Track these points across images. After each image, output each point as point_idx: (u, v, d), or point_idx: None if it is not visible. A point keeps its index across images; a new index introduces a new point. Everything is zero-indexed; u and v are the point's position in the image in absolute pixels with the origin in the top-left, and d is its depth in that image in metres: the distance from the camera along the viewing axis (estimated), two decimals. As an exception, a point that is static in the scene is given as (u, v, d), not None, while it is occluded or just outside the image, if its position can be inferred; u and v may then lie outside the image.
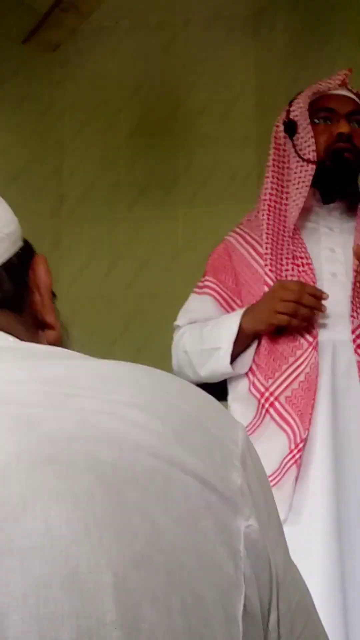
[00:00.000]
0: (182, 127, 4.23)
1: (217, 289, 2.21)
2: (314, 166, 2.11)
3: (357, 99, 2.20)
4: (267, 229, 2.13)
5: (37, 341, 0.88)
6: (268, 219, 2.15)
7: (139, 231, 4.14)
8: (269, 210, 2.15)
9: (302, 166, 2.13)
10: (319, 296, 2.00)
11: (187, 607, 0.59)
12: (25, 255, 0.88)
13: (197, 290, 2.26)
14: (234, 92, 4.22)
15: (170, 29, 4.31)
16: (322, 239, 2.16)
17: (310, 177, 2.11)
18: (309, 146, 2.13)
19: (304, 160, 2.13)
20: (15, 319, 0.84)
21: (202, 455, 0.65)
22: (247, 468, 0.68)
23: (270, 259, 2.11)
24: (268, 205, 2.15)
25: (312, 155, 2.12)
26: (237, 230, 2.27)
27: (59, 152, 4.28)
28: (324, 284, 2.08)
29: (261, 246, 2.15)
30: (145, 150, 4.21)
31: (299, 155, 2.14)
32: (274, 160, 2.18)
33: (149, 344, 3.74)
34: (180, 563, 0.60)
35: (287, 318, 1.99)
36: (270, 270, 2.10)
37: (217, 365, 2.08)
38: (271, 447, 1.92)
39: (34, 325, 0.89)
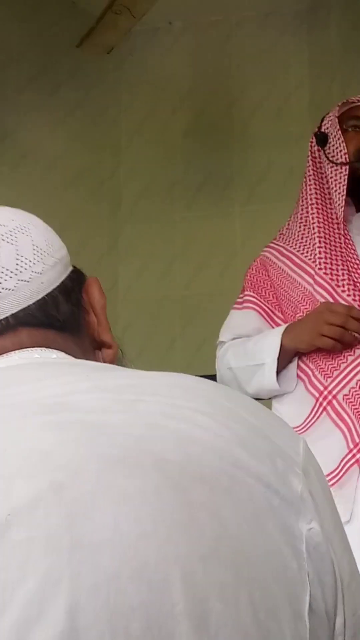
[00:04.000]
0: (237, 125, 4.23)
1: (259, 302, 2.24)
2: (347, 167, 2.15)
3: None
4: (319, 232, 2.14)
5: (95, 360, 0.92)
6: (319, 222, 2.17)
7: (196, 230, 4.14)
8: (318, 214, 2.18)
9: (336, 170, 2.17)
10: None
11: (255, 600, 0.60)
12: (77, 277, 0.93)
13: (237, 306, 2.29)
14: (288, 89, 4.20)
15: (224, 28, 4.31)
16: (357, 247, 2.17)
17: (345, 177, 2.14)
18: (340, 151, 2.17)
19: (336, 164, 2.17)
20: (73, 341, 0.88)
21: (264, 460, 0.67)
22: (309, 477, 0.70)
23: (325, 263, 2.12)
24: (317, 209, 2.19)
25: (344, 158, 2.16)
26: (272, 245, 2.32)
27: (115, 154, 4.30)
28: None
29: (297, 256, 2.20)
30: (200, 150, 4.21)
31: (331, 161, 2.18)
32: (314, 170, 2.24)
33: (208, 343, 3.72)
34: (247, 558, 0.61)
35: (332, 342, 2.01)
36: (324, 273, 2.11)
37: (263, 381, 2.10)
38: (327, 445, 1.92)
39: (90, 346, 0.92)
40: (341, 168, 2.16)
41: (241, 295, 2.29)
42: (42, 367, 0.79)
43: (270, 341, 2.10)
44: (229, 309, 2.32)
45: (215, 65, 4.30)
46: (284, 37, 4.25)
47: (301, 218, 2.23)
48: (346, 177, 2.14)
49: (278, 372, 2.10)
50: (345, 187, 2.15)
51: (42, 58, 3.99)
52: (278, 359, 2.08)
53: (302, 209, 2.23)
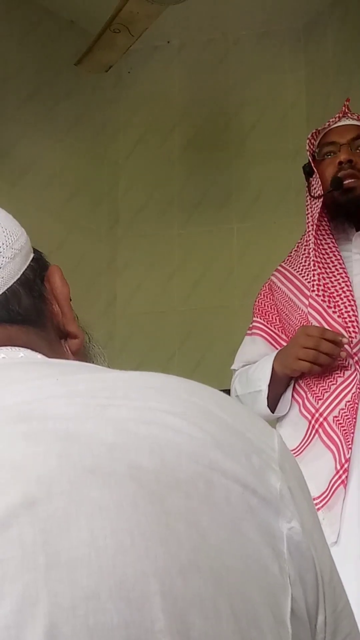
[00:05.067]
0: (235, 142, 4.25)
1: (264, 327, 2.28)
2: (321, 200, 2.20)
3: (359, 123, 2.28)
4: (315, 256, 2.17)
5: (61, 352, 0.88)
6: (314, 245, 2.21)
7: (194, 246, 4.15)
8: (314, 238, 2.21)
9: (313, 201, 2.24)
10: (338, 342, 2.03)
11: (236, 610, 0.58)
12: (39, 266, 0.88)
13: (247, 332, 2.34)
14: (285, 106, 4.22)
15: (221, 46, 4.33)
16: (354, 266, 2.21)
17: (318, 209, 2.20)
18: (317, 183, 2.23)
19: (314, 197, 2.23)
20: (37, 334, 0.84)
21: (240, 459, 0.65)
22: (286, 472, 0.68)
23: (318, 285, 2.16)
24: (313, 235, 2.22)
25: (320, 191, 2.21)
26: (279, 268, 2.37)
27: (113, 170, 4.32)
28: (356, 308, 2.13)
29: (298, 279, 2.24)
30: (198, 167, 4.23)
31: (311, 195, 2.24)
32: (309, 197, 2.28)
33: (207, 359, 3.75)
34: (227, 567, 0.59)
35: (308, 365, 2.04)
36: (317, 295, 2.14)
37: (261, 409, 2.13)
38: (319, 467, 1.94)
39: (56, 337, 0.89)
40: (318, 200, 2.21)
41: (251, 322, 2.34)
42: (9, 369, 0.75)
43: (264, 367, 2.15)
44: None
45: (212, 82, 4.33)
46: (281, 54, 4.28)
47: (306, 241, 2.27)
48: (319, 208, 2.19)
49: (277, 397, 2.13)
50: (316, 218, 2.20)
51: (41, 75, 4.02)
52: (272, 384, 2.12)
53: (306, 232, 2.27)
